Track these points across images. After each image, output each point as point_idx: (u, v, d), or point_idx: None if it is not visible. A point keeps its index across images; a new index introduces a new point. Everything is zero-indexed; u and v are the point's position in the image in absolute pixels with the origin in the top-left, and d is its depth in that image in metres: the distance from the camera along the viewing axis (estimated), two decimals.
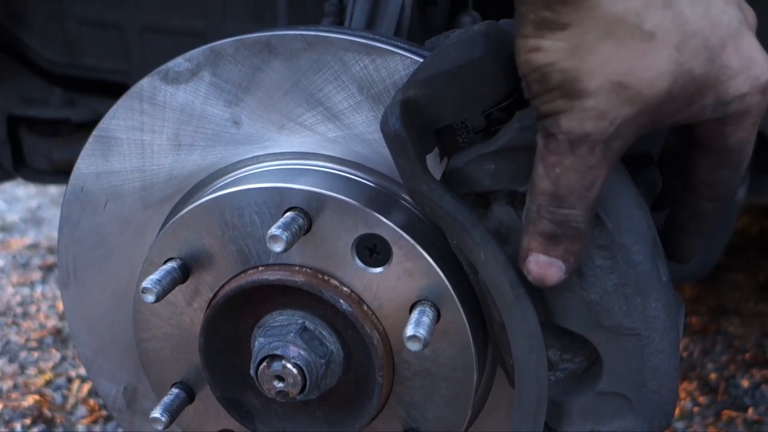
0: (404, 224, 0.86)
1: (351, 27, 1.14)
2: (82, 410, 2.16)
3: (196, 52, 0.93)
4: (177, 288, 0.92)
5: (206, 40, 0.94)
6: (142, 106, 0.96)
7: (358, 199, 0.86)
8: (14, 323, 2.63)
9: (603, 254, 0.78)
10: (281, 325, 0.88)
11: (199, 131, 0.94)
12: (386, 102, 0.87)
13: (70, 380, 2.30)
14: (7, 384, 2.28)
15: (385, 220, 0.85)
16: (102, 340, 1.07)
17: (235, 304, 0.90)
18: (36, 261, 3.07)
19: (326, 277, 0.88)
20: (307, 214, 0.86)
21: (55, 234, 1.10)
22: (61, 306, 2.68)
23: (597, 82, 0.68)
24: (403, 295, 0.87)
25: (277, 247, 0.82)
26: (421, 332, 0.81)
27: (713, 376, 2.31)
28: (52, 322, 2.63)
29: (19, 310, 2.72)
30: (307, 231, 0.86)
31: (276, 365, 0.86)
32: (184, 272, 0.91)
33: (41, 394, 2.22)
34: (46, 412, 2.14)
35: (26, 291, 2.85)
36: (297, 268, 0.88)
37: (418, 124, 0.78)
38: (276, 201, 0.87)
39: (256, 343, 0.89)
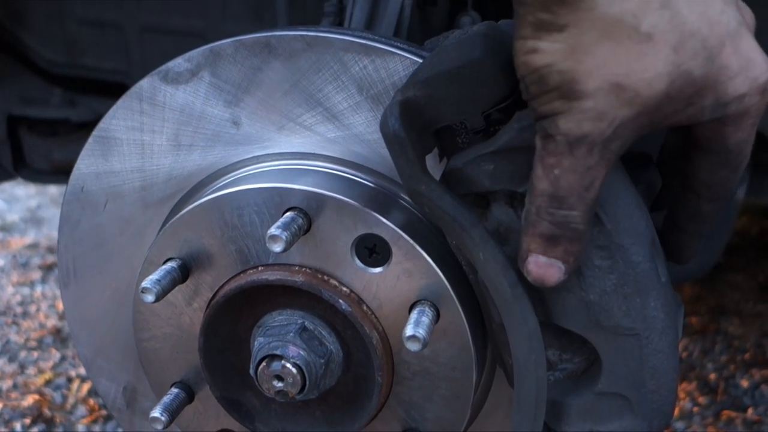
0: (404, 224, 0.86)
1: (350, 27, 1.14)
2: (81, 410, 2.16)
3: (196, 53, 0.93)
4: (177, 288, 0.92)
5: (206, 40, 0.94)
6: (141, 106, 0.96)
7: (357, 200, 0.86)
8: (14, 323, 2.63)
9: (602, 254, 0.78)
10: (281, 325, 0.88)
11: (198, 131, 0.94)
12: (386, 102, 0.87)
13: (69, 380, 2.30)
14: (7, 383, 2.28)
15: (384, 220, 0.85)
16: (102, 340, 1.07)
17: (235, 304, 0.91)
18: (36, 261, 3.08)
19: (326, 277, 0.88)
20: (307, 214, 0.86)
21: (54, 234, 1.11)
22: (60, 306, 2.68)
23: (595, 84, 0.68)
24: (403, 295, 0.87)
25: (277, 247, 0.82)
26: (421, 332, 0.81)
27: (713, 376, 2.31)
28: (51, 322, 2.63)
29: (18, 309, 2.72)
30: (307, 231, 0.86)
31: (275, 365, 0.87)
32: (183, 272, 0.92)
33: (41, 394, 2.22)
34: (46, 412, 2.15)
35: (26, 290, 2.85)
36: (296, 268, 0.88)
37: (417, 124, 0.78)
38: (276, 201, 0.87)
39: (255, 342, 0.89)
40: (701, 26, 0.69)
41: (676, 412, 2.13)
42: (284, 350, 0.87)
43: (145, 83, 0.95)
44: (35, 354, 2.44)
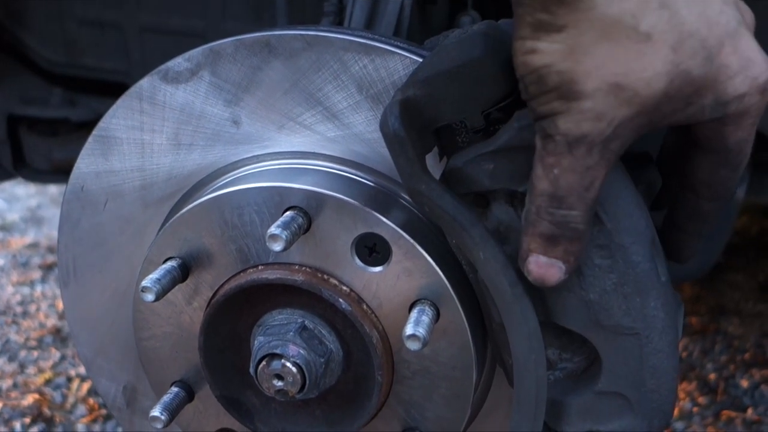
0: (404, 223, 0.86)
1: (350, 27, 1.14)
2: (81, 409, 2.16)
3: (196, 52, 0.93)
4: (177, 287, 0.92)
5: (206, 40, 0.94)
6: (141, 105, 0.96)
7: (357, 199, 0.86)
8: (14, 322, 2.63)
9: (602, 254, 0.78)
10: (281, 324, 0.88)
11: (198, 131, 0.94)
12: (385, 102, 0.87)
13: (69, 379, 2.30)
14: (7, 383, 2.28)
15: (384, 219, 0.85)
16: (102, 340, 1.07)
17: (235, 303, 0.91)
18: (36, 260, 3.08)
19: (326, 276, 0.88)
20: (307, 213, 0.86)
21: (54, 233, 1.11)
22: (60, 305, 2.68)
23: (594, 84, 0.68)
24: (403, 294, 0.87)
25: (277, 246, 0.82)
26: (421, 331, 0.81)
27: (712, 376, 2.31)
28: (51, 321, 2.63)
29: (18, 309, 2.72)
30: (307, 230, 0.87)
31: (275, 364, 0.87)
32: (183, 271, 0.92)
33: (41, 393, 2.22)
34: (46, 411, 2.15)
35: (26, 290, 2.85)
36: (296, 267, 0.88)
37: (417, 123, 0.78)
38: (275, 200, 0.87)
39: (255, 341, 0.89)
40: (700, 26, 0.69)
41: (676, 412, 2.13)
42: (284, 349, 0.87)
43: (145, 82, 0.95)
44: (35, 353, 2.44)
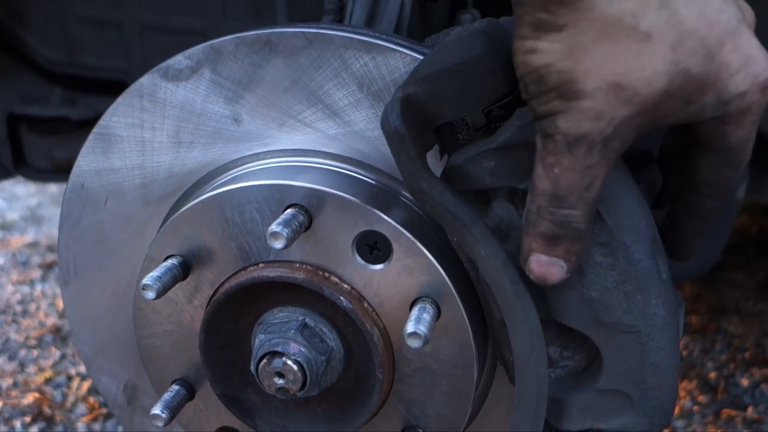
0: (404, 221, 0.86)
1: (351, 24, 1.14)
2: (81, 408, 2.16)
3: (196, 50, 0.93)
4: (177, 285, 0.92)
5: (206, 39, 0.94)
6: (142, 103, 0.96)
7: (358, 196, 0.86)
8: (14, 321, 2.63)
9: (603, 251, 0.78)
10: (282, 322, 0.88)
11: (199, 128, 0.94)
12: (386, 99, 0.87)
13: (69, 378, 2.30)
14: (7, 382, 2.28)
15: (385, 217, 0.85)
16: (102, 338, 1.07)
17: (236, 301, 0.91)
18: (36, 259, 3.08)
19: (327, 274, 0.88)
20: (308, 211, 0.86)
21: (54, 232, 1.11)
22: (60, 304, 2.68)
23: (593, 84, 0.68)
24: (404, 292, 0.87)
25: (278, 244, 0.82)
26: (422, 329, 0.81)
27: (713, 374, 2.31)
28: (51, 320, 2.63)
29: (18, 308, 2.72)
30: (308, 228, 0.86)
31: (276, 362, 0.87)
32: (184, 269, 0.92)
33: (41, 392, 2.22)
34: (46, 410, 2.15)
35: (26, 289, 2.85)
36: (297, 265, 0.88)
37: (418, 121, 0.78)
38: (276, 198, 0.87)
39: (256, 340, 0.89)
40: (700, 25, 0.69)
41: (676, 410, 2.13)
42: (285, 347, 0.87)
43: (145, 80, 0.95)
44: (35, 352, 2.44)
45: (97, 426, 2.10)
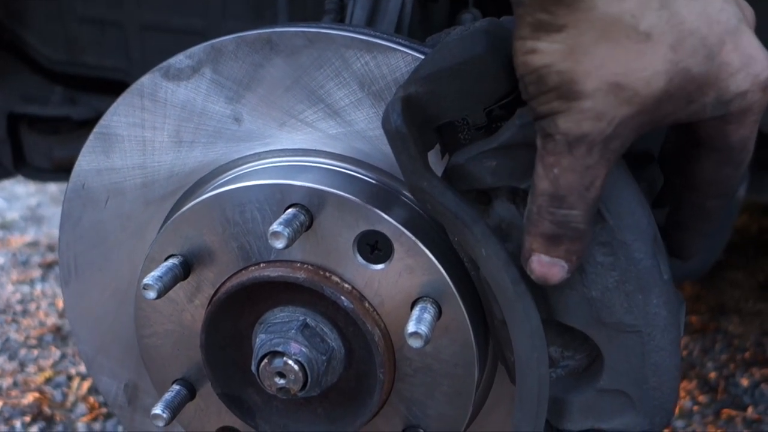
0: (405, 221, 0.86)
1: (352, 24, 1.14)
2: (81, 408, 2.16)
3: (197, 49, 0.93)
4: (178, 285, 0.92)
5: (206, 39, 0.94)
6: (143, 102, 0.96)
7: (359, 196, 0.86)
8: (14, 321, 2.63)
9: (604, 251, 0.78)
10: (282, 322, 0.88)
11: (200, 128, 0.94)
12: (387, 99, 0.87)
13: (69, 378, 2.30)
14: (7, 381, 2.28)
15: (386, 216, 0.85)
16: (103, 338, 1.07)
17: (237, 301, 0.91)
18: (36, 259, 3.08)
19: (327, 274, 0.88)
20: (309, 210, 0.86)
21: (54, 232, 1.11)
22: (60, 304, 2.68)
23: (593, 84, 0.68)
24: (405, 291, 0.87)
25: (279, 244, 0.82)
26: (423, 329, 0.81)
27: (713, 374, 2.31)
28: (51, 320, 2.63)
29: (18, 307, 2.72)
30: (309, 228, 0.86)
31: (277, 362, 0.87)
32: (185, 269, 0.92)
33: (41, 392, 2.22)
34: (46, 410, 2.15)
35: (26, 289, 2.85)
36: (298, 264, 0.88)
37: (419, 120, 0.78)
38: (277, 198, 0.87)
39: (257, 339, 0.89)
40: (700, 25, 0.69)
41: (676, 410, 2.13)
42: (286, 347, 0.87)
43: (146, 80, 0.95)
44: (35, 352, 2.44)
45: (97, 426, 2.10)
